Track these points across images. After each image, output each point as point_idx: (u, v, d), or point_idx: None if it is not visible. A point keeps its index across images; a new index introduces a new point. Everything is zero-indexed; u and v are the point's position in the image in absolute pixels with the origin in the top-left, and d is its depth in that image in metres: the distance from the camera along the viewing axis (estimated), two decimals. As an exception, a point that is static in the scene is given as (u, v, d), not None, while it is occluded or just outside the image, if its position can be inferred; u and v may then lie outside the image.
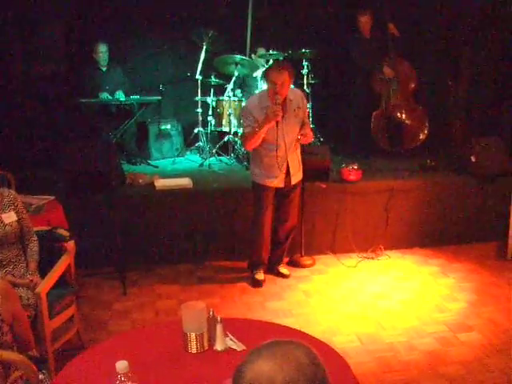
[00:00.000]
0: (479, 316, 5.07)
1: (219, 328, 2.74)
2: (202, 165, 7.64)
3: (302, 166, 5.72)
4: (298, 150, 5.64)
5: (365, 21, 7.85)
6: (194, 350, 2.72)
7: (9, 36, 7.35)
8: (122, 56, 8.27)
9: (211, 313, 2.80)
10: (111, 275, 5.87)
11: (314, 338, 2.97)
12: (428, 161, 7.17)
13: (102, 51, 7.78)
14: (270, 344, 1.50)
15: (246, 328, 3.04)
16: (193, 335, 2.70)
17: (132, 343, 2.88)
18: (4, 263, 3.95)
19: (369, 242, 6.46)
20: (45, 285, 3.83)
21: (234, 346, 2.77)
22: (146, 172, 7.09)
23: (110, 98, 7.69)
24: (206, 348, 2.74)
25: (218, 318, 2.75)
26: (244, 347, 2.73)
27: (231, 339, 2.80)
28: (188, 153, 8.37)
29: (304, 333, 3.14)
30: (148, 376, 2.55)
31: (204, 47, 7.88)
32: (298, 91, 5.63)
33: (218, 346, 2.75)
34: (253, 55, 8.17)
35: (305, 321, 4.98)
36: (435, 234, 6.70)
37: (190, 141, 8.19)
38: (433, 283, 5.79)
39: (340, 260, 6.36)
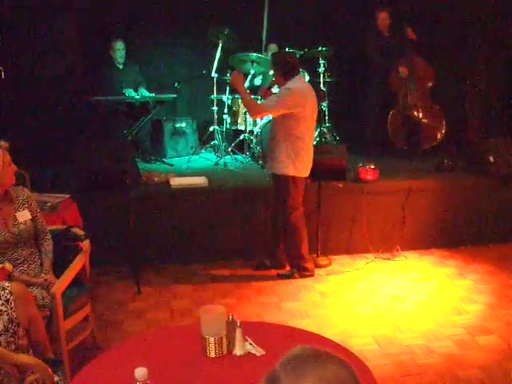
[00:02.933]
0: (498, 319, 4.98)
1: (239, 332, 2.69)
2: (217, 163, 7.60)
3: (281, 160, 5.60)
4: (276, 137, 5.62)
5: (383, 17, 7.82)
6: (212, 355, 2.67)
7: (23, 33, 7.32)
8: (137, 53, 8.24)
9: (230, 317, 2.75)
10: (125, 274, 5.84)
11: (334, 342, 2.93)
12: (445, 161, 7.09)
13: (119, 48, 7.78)
14: (313, 360, 1.42)
15: (265, 332, 2.99)
16: (211, 339, 2.64)
17: (149, 346, 2.84)
18: (18, 262, 3.92)
19: (385, 243, 6.39)
20: (60, 284, 3.80)
21: (254, 351, 2.72)
22: (160, 170, 7.07)
23: (134, 94, 7.71)
24: (225, 353, 2.69)
25: (238, 323, 2.69)
26: (264, 352, 2.67)
27: (250, 344, 2.75)
28: (203, 151, 8.32)
29: (323, 337, 3.09)
30: (166, 381, 2.51)
31: (220, 45, 7.84)
32: (286, 87, 5.53)
33: (238, 351, 2.70)
34: (264, 53, 8.07)
35: (321, 322, 4.93)
36: (452, 235, 6.62)
37: (204, 139, 8.15)
38: (450, 285, 5.72)
39: (356, 260, 6.31)
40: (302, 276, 5.84)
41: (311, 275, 5.87)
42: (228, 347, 2.71)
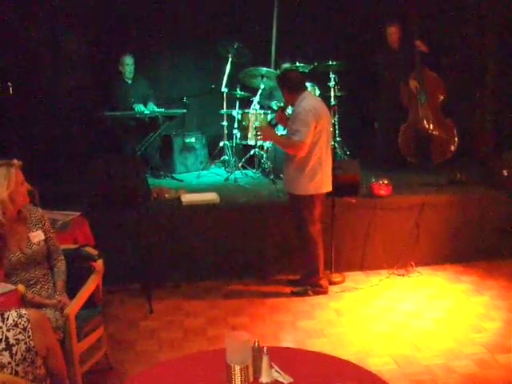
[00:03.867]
0: (517, 336, 4.90)
1: (265, 360, 2.59)
2: (227, 179, 7.55)
3: (298, 180, 5.54)
4: (292, 159, 5.55)
5: (392, 32, 7.78)
6: (238, 383, 2.57)
7: (32, 48, 7.30)
8: (146, 68, 8.20)
9: (256, 343, 2.65)
10: (137, 292, 5.77)
11: (363, 368, 2.84)
12: (458, 175, 7.01)
13: (128, 63, 7.74)
14: None
15: (292, 358, 2.89)
16: (237, 368, 2.54)
17: (173, 374, 2.75)
18: (31, 283, 3.84)
19: (399, 259, 6.30)
20: (73, 306, 3.73)
21: (281, 379, 2.62)
22: (170, 186, 6.99)
23: (144, 109, 7.65)
24: (251, 381, 2.59)
25: (265, 350, 2.59)
26: (291, 379, 2.58)
27: (277, 371, 2.66)
28: (212, 166, 8.27)
29: (350, 363, 2.99)
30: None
31: (230, 59, 7.81)
32: (302, 102, 5.50)
33: (264, 379, 2.60)
34: (277, 70, 8.01)
35: (337, 341, 4.84)
36: (467, 250, 6.53)
37: (214, 154, 8.08)
38: (466, 301, 5.62)
39: (370, 277, 6.23)
40: (316, 293, 5.76)
41: (325, 292, 5.79)
42: (254, 375, 2.62)
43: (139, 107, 7.64)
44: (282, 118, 5.87)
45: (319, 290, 5.77)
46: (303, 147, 5.37)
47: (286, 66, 8.00)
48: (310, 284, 5.79)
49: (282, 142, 5.70)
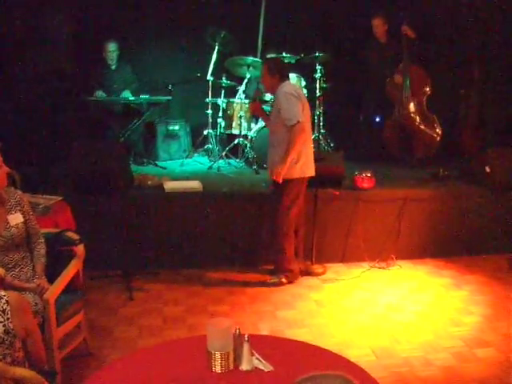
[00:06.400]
0: (495, 331, 4.91)
1: (246, 347, 2.58)
2: (210, 167, 7.53)
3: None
4: (277, 144, 5.54)
5: (376, 24, 7.80)
6: (218, 370, 2.56)
7: (16, 33, 7.21)
8: (130, 54, 8.14)
9: (237, 331, 2.64)
10: (117, 279, 5.73)
11: (348, 360, 2.87)
12: (441, 170, 7.03)
13: (111, 50, 7.70)
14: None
15: (272, 346, 2.88)
16: (218, 354, 2.53)
17: (153, 360, 2.73)
18: (10, 266, 3.78)
19: (380, 251, 6.32)
20: (54, 291, 3.69)
21: (261, 366, 2.61)
22: (153, 173, 6.94)
23: (129, 95, 7.61)
24: (232, 368, 2.58)
25: (246, 337, 2.59)
26: (271, 368, 2.57)
27: (257, 358, 2.65)
28: (196, 155, 8.23)
29: (332, 353, 2.99)
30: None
31: (216, 48, 7.77)
32: (283, 88, 5.50)
33: (244, 366, 2.59)
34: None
35: (318, 332, 4.84)
36: (447, 245, 6.57)
37: (198, 142, 8.04)
38: (446, 295, 5.66)
39: (351, 269, 6.24)
40: (289, 281, 5.77)
41: (295, 278, 5.82)
42: (234, 362, 2.61)
43: (125, 93, 7.59)
44: (256, 107, 5.99)
45: (291, 276, 5.78)
46: (301, 126, 5.37)
47: (272, 55, 7.99)
48: (281, 270, 5.79)
49: (291, 150, 5.43)
